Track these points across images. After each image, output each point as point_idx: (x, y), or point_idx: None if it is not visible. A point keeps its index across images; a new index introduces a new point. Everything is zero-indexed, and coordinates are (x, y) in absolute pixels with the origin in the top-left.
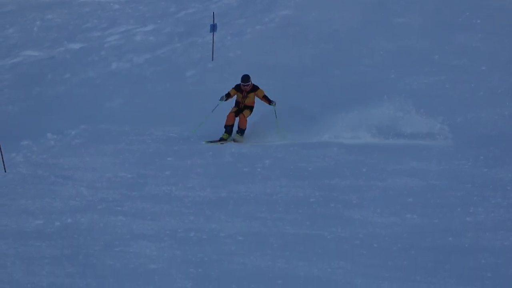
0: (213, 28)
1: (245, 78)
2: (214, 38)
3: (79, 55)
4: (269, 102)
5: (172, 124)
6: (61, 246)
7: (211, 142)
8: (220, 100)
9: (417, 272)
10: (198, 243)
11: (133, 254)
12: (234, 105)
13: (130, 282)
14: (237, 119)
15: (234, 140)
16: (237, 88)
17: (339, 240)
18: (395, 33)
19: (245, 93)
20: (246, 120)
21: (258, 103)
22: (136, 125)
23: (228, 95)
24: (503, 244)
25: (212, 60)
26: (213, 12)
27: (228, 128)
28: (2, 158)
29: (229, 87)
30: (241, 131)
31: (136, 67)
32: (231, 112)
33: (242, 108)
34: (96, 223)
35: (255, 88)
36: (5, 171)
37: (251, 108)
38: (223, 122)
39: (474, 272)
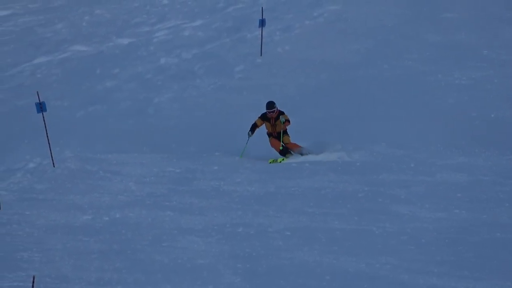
0: (262, 23)
1: (270, 104)
2: (263, 33)
3: (128, 50)
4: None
5: (219, 117)
6: (109, 241)
7: (274, 160)
8: (248, 136)
9: (465, 267)
10: (246, 238)
11: (181, 249)
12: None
13: (178, 277)
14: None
15: (302, 155)
16: (263, 117)
17: (386, 235)
18: (442, 28)
19: (273, 121)
20: (295, 143)
21: None
22: (184, 119)
23: (254, 127)
24: None
25: (261, 55)
26: (262, 7)
27: (283, 151)
28: (51, 153)
29: (278, 83)
30: (284, 152)
31: (184, 62)
32: (271, 138)
33: (275, 137)
34: (144, 218)
35: (281, 113)
36: (54, 166)
37: (286, 132)
38: (265, 142)
39: None
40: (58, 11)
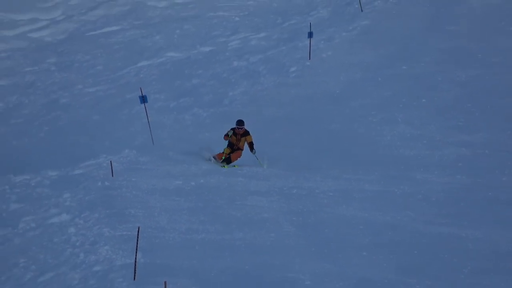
0: (310, 35)
1: (240, 122)
2: (311, 42)
3: (209, 56)
4: (251, 149)
5: (278, 106)
6: (195, 200)
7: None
8: (226, 135)
9: (465, 219)
10: (299, 197)
11: (250, 206)
12: (227, 145)
13: (248, 227)
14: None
15: (218, 161)
16: (233, 131)
17: (406, 195)
18: (448, 37)
19: (239, 136)
20: (236, 158)
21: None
22: (252, 107)
23: (226, 135)
24: None
25: (309, 59)
26: (310, 23)
27: (226, 159)
28: (151, 134)
29: (323, 80)
30: (228, 160)
31: (251, 64)
32: (224, 153)
33: (235, 149)
34: (221, 182)
35: (246, 133)
36: (153, 144)
37: (241, 151)
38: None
39: (508, 219)
40: (156, 26)
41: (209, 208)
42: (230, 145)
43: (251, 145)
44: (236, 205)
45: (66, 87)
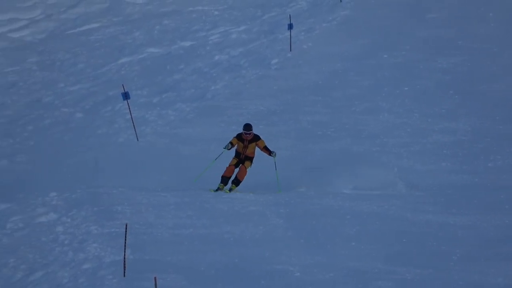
0: (290, 26)
1: (248, 126)
2: (291, 34)
3: (190, 51)
4: (269, 153)
5: (261, 99)
6: (182, 195)
7: (214, 190)
8: (224, 148)
9: (452, 206)
10: (285, 190)
11: (236, 200)
12: (234, 155)
13: (235, 220)
14: (236, 169)
15: (230, 190)
16: (239, 137)
17: (393, 184)
18: (428, 25)
19: (246, 143)
20: (246, 172)
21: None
22: (235, 101)
23: (230, 145)
24: None
25: (290, 50)
26: (290, 14)
27: (225, 179)
28: (135, 130)
29: (305, 71)
30: (237, 182)
31: (233, 58)
32: (230, 165)
33: (242, 159)
34: (207, 177)
35: (256, 138)
36: (138, 140)
37: (251, 159)
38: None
39: (495, 205)
40: (136, 22)
41: (196, 202)
42: (237, 154)
43: (267, 150)
44: (222, 199)
45: (49, 86)
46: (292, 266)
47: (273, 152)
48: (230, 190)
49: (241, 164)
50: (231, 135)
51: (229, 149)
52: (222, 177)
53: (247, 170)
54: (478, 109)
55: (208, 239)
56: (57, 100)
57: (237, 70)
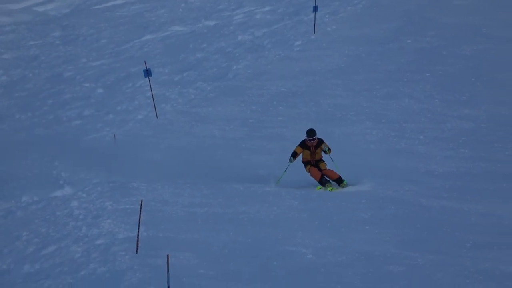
0: (315, 8)
1: (311, 132)
2: (316, 16)
3: (213, 30)
4: (328, 150)
5: (282, 80)
6: (198, 173)
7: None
8: (289, 162)
9: (468, 193)
10: (302, 170)
11: (253, 180)
12: (304, 165)
13: (252, 200)
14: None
15: (341, 186)
16: (303, 145)
17: (409, 169)
18: (454, 12)
19: (313, 149)
20: (332, 170)
21: None
22: (257, 81)
23: (294, 154)
24: None
25: (314, 33)
26: None
27: (323, 181)
28: (155, 107)
29: (328, 54)
30: (339, 180)
31: (256, 38)
32: (311, 168)
33: (315, 165)
34: (227, 155)
35: (320, 142)
36: (157, 118)
37: (322, 159)
38: (301, 170)
39: (511, 193)
40: (161, 0)
41: (212, 181)
42: (307, 163)
43: (329, 150)
44: (240, 178)
45: (70, 61)
46: (305, 248)
47: (330, 149)
48: (341, 185)
49: (320, 168)
50: (250, 115)
51: (293, 161)
52: (319, 182)
53: (327, 167)
54: (499, 97)
55: (223, 218)
56: (78, 75)
57: (260, 50)
